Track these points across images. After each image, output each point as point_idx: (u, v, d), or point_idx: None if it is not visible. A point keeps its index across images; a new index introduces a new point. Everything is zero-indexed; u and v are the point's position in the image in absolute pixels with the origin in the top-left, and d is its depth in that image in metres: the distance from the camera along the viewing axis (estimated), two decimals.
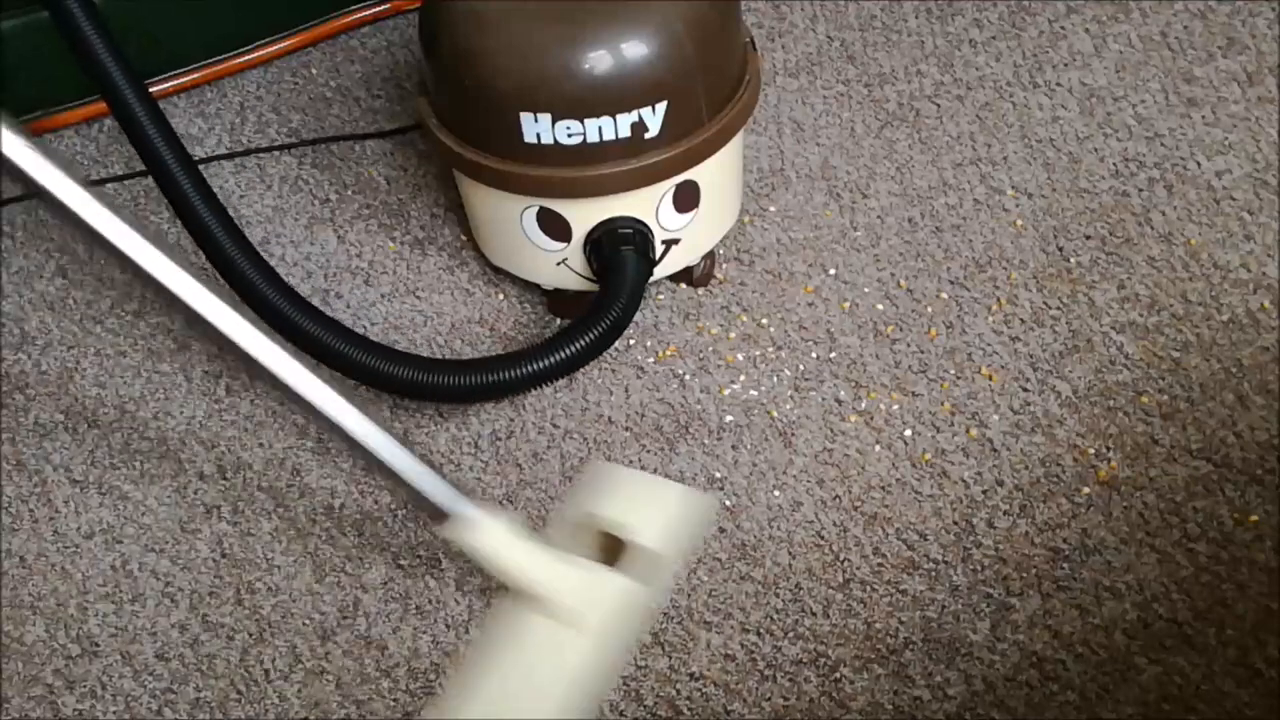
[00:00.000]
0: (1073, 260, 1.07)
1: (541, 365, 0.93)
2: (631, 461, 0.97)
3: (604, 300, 0.95)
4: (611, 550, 0.78)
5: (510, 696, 0.73)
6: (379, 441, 0.74)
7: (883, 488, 0.94)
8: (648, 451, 0.97)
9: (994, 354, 1.01)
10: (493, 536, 0.76)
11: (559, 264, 1.01)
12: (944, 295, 1.06)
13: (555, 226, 0.98)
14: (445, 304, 1.10)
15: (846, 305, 1.06)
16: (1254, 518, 0.89)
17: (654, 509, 0.80)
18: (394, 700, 0.86)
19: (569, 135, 0.92)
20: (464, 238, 1.15)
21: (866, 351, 1.03)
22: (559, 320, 1.08)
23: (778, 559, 0.91)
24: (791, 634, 0.87)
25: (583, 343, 0.93)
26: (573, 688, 0.73)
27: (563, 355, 0.93)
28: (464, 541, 0.76)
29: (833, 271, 1.09)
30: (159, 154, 0.90)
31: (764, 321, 1.06)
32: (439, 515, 0.76)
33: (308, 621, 0.91)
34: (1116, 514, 0.90)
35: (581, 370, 1.01)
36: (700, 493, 0.93)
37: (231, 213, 1.19)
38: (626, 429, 0.99)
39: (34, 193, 0.62)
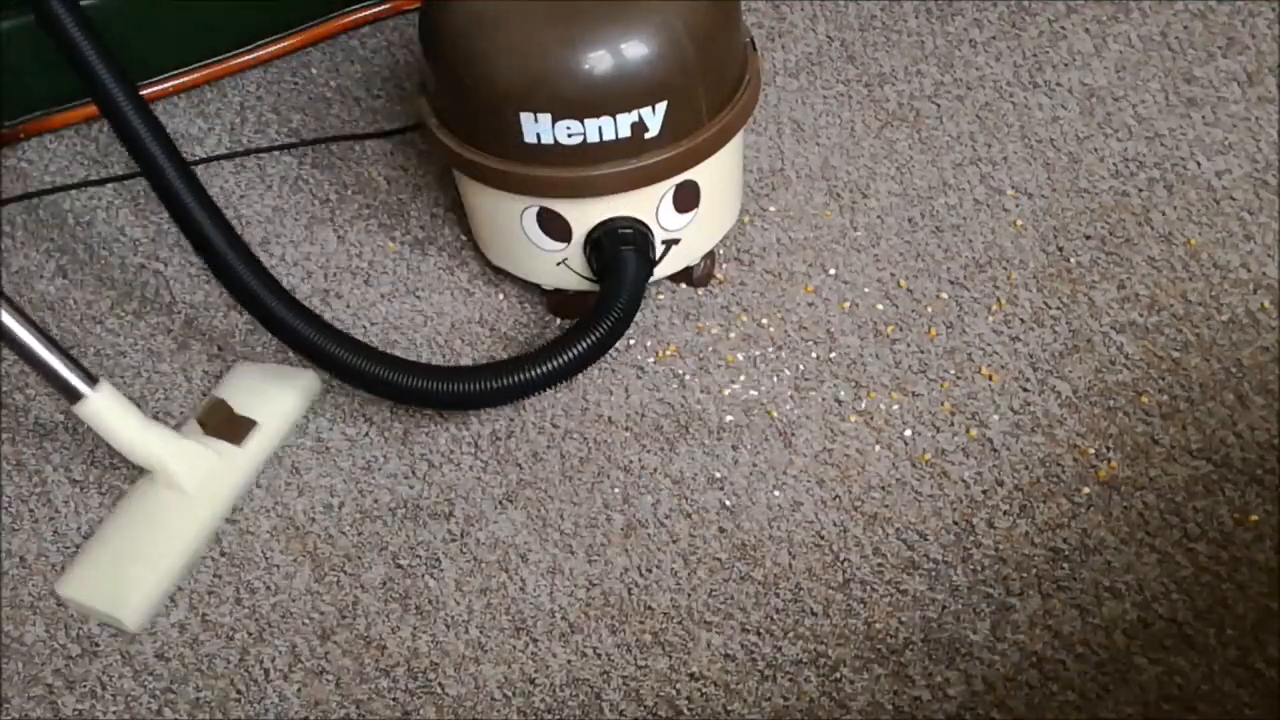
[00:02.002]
0: (1073, 260, 1.07)
1: (543, 370, 0.92)
2: (631, 462, 0.97)
3: (605, 302, 0.95)
4: (200, 424, 0.97)
5: (124, 551, 0.92)
6: (12, 323, 0.85)
7: (883, 488, 0.94)
8: (648, 451, 0.98)
9: (994, 354, 1.01)
10: (115, 415, 0.90)
11: (559, 264, 1.01)
12: (944, 295, 1.06)
13: (555, 226, 0.98)
14: (445, 304, 1.10)
15: (846, 305, 1.06)
16: (1254, 518, 0.89)
17: (262, 388, 1.01)
18: (394, 700, 0.86)
19: (569, 135, 0.92)
20: (464, 238, 1.15)
21: (866, 351, 1.03)
22: (559, 320, 1.08)
23: (778, 559, 0.91)
24: (791, 634, 0.87)
25: (584, 345, 0.93)
26: (184, 541, 0.92)
27: (565, 359, 0.92)
28: (92, 419, 0.90)
29: (833, 271, 1.09)
30: (156, 162, 0.89)
31: (764, 321, 1.06)
32: (73, 395, 0.88)
33: (307, 621, 0.91)
34: (1116, 514, 0.90)
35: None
36: (305, 373, 1.03)
37: (231, 213, 1.20)
38: (626, 429, 0.99)
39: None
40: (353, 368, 0.93)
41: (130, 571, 0.91)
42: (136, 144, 0.88)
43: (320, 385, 1.03)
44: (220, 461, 0.96)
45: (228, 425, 0.97)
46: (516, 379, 0.92)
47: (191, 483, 0.94)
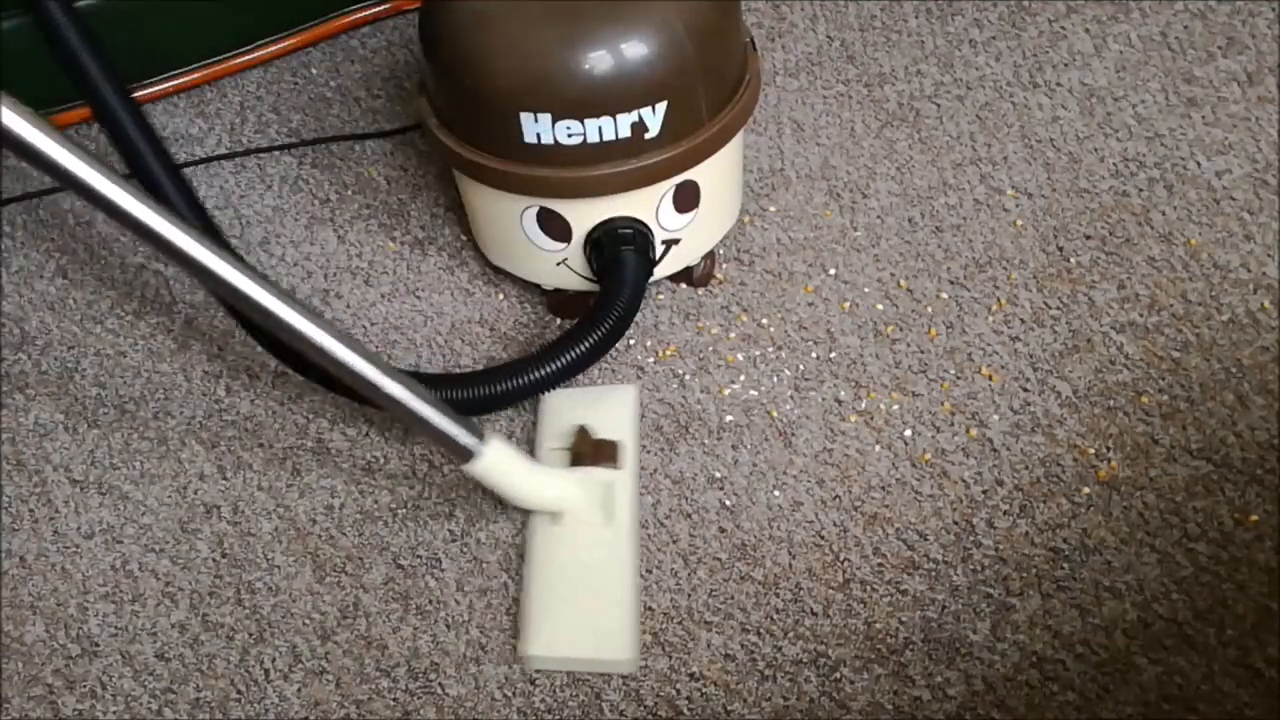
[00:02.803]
0: (1073, 260, 1.07)
1: (544, 373, 0.92)
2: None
3: (605, 302, 0.95)
4: (575, 456, 0.94)
5: (582, 594, 0.88)
6: (402, 392, 0.80)
7: (883, 488, 0.94)
8: (648, 451, 0.97)
9: (994, 354, 1.01)
10: (510, 468, 0.86)
11: (559, 264, 1.01)
12: (944, 295, 1.06)
13: (555, 226, 0.98)
14: (445, 304, 1.10)
15: (846, 305, 1.06)
16: (1254, 518, 0.89)
17: (597, 410, 0.98)
18: (394, 700, 0.86)
19: (569, 135, 0.92)
20: (464, 238, 1.15)
21: (866, 351, 1.03)
22: (559, 320, 1.08)
23: (778, 559, 0.91)
24: (791, 634, 0.87)
25: (584, 347, 0.93)
26: (626, 569, 0.89)
27: (565, 361, 0.92)
28: (484, 477, 0.86)
29: (833, 271, 1.09)
30: (144, 161, 0.88)
31: (764, 321, 1.06)
32: (463, 455, 0.84)
33: (308, 621, 0.91)
34: (1116, 514, 0.90)
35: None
36: (623, 386, 1.02)
37: (231, 213, 1.20)
38: None
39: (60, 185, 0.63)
40: (364, 378, 0.92)
41: (602, 613, 0.87)
42: (129, 145, 0.87)
43: (638, 393, 1.01)
44: (612, 486, 0.92)
45: (597, 451, 0.93)
46: (517, 383, 0.92)
47: (601, 514, 0.91)
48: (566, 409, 0.98)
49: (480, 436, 0.84)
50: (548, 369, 0.92)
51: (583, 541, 0.90)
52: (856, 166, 1.17)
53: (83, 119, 1.29)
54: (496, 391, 0.92)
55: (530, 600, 0.88)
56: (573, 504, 0.90)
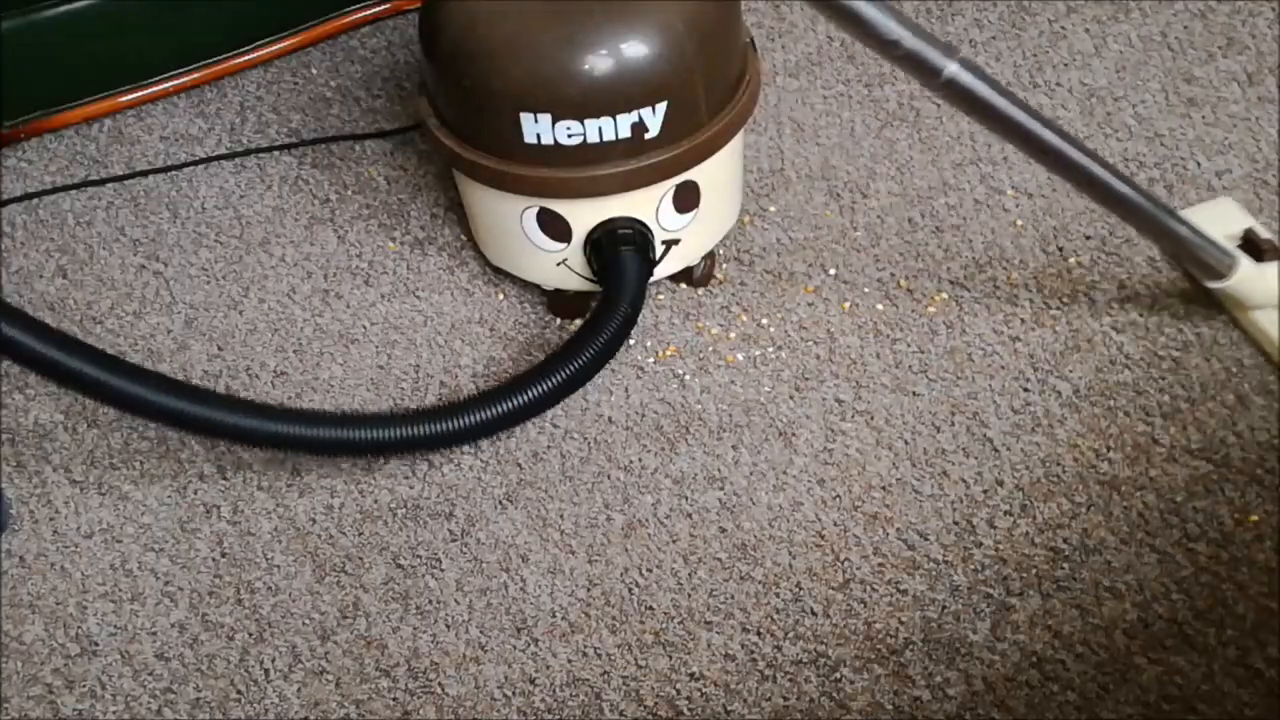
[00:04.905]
0: (1072, 260, 1.07)
1: (551, 385, 0.92)
2: (631, 462, 0.97)
3: (606, 306, 0.95)
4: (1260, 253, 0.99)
5: None
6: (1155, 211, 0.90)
7: (883, 488, 0.94)
8: (648, 451, 0.97)
9: (994, 354, 1.01)
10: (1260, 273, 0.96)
11: (559, 264, 1.01)
12: (944, 295, 1.06)
13: (555, 226, 0.98)
14: (445, 304, 1.10)
15: (846, 305, 1.06)
16: (1254, 518, 0.89)
17: (1237, 218, 1.05)
18: (394, 700, 0.86)
19: (569, 136, 0.92)
20: (464, 238, 1.15)
21: (866, 351, 1.03)
22: (559, 320, 1.08)
23: (778, 559, 0.91)
24: (791, 634, 0.87)
25: (590, 353, 0.93)
26: None
27: (571, 369, 0.92)
28: (1234, 286, 0.95)
29: (833, 271, 1.09)
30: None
31: (764, 321, 1.06)
32: (1213, 273, 0.94)
33: (308, 621, 0.91)
34: (1116, 514, 0.90)
35: None
36: (1216, 200, 1.08)
37: (231, 213, 1.20)
38: (626, 429, 0.99)
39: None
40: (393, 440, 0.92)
41: None
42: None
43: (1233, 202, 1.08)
44: None
45: (1270, 246, 0.99)
46: (525, 398, 0.92)
47: None
48: (1207, 225, 0.99)
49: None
50: (551, 382, 0.92)
51: None
52: (856, 166, 1.17)
53: (83, 118, 1.29)
54: (518, 404, 0.92)
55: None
56: None
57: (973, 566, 0.89)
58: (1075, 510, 0.91)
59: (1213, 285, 0.97)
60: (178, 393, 0.87)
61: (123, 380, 0.85)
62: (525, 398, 0.92)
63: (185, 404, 0.87)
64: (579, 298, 1.04)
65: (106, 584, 0.94)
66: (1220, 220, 1.03)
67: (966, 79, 0.84)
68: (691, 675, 0.85)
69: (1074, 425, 0.96)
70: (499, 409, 0.92)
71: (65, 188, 1.24)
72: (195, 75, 1.32)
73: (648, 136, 0.93)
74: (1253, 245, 0.98)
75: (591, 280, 1.01)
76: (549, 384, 0.92)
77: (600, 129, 0.91)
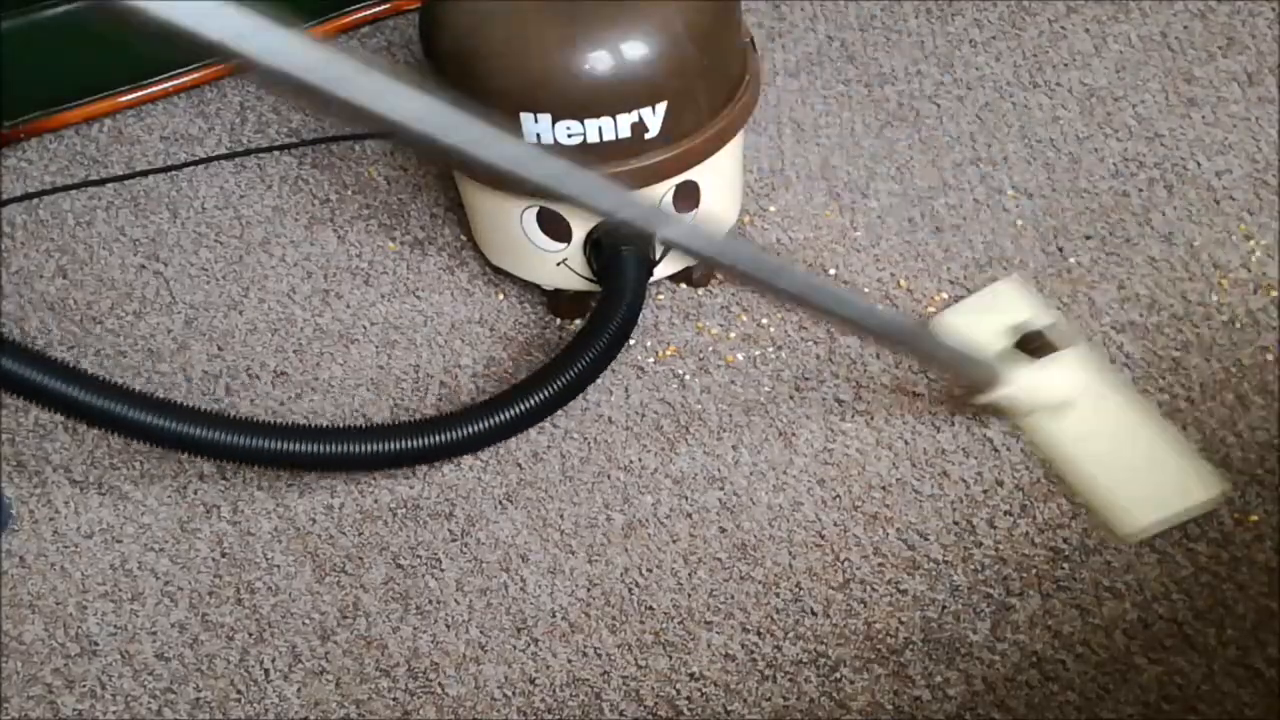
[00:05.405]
0: (1073, 260, 1.07)
1: (554, 389, 0.92)
2: (631, 462, 0.97)
3: (606, 307, 0.95)
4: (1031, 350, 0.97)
5: (1137, 462, 0.92)
6: (904, 328, 0.88)
7: (883, 488, 0.94)
8: (648, 451, 0.98)
9: None
10: (1032, 381, 0.93)
11: (559, 264, 1.01)
12: (944, 295, 1.06)
13: (555, 227, 0.98)
14: (445, 304, 1.10)
15: None
16: (1254, 518, 0.89)
17: (1016, 306, 1.03)
18: (394, 700, 0.86)
19: (569, 135, 0.92)
20: (464, 238, 1.15)
21: (866, 351, 1.03)
22: (559, 320, 1.08)
23: (778, 559, 0.91)
24: (791, 634, 0.87)
25: (591, 355, 0.93)
26: (1148, 420, 0.94)
27: (573, 373, 0.92)
28: (1003, 398, 0.92)
29: (833, 271, 1.09)
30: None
31: (764, 321, 1.06)
32: (985, 385, 0.91)
33: (308, 621, 0.91)
34: None
35: None
36: (995, 286, 1.05)
37: (231, 213, 1.20)
38: (626, 429, 0.99)
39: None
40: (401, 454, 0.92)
41: (1166, 467, 0.92)
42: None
43: (1018, 282, 1.06)
44: (1080, 365, 0.98)
45: (1041, 339, 0.97)
46: (530, 403, 0.92)
47: (1096, 388, 0.96)
48: (971, 325, 1.00)
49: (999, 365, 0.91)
50: (554, 386, 0.92)
51: (1098, 413, 0.95)
52: (856, 166, 1.17)
53: (83, 118, 1.29)
54: (506, 420, 0.92)
55: (1098, 485, 0.91)
56: (1074, 390, 0.95)
57: (973, 566, 0.89)
58: (1075, 510, 0.91)
59: (979, 400, 0.93)
60: (143, 406, 0.86)
61: (104, 400, 0.84)
62: (526, 405, 0.92)
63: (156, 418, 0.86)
64: (579, 298, 1.04)
65: (106, 584, 0.94)
66: (1001, 309, 1.02)
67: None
68: (691, 675, 0.85)
69: None
70: (501, 417, 0.92)
71: (65, 188, 1.24)
72: (195, 75, 1.32)
73: (648, 136, 0.93)
74: (1028, 341, 0.97)
75: (591, 280, 1.01)
76: (550, 389, 0.92)
77: (600, 129, 0.91)
